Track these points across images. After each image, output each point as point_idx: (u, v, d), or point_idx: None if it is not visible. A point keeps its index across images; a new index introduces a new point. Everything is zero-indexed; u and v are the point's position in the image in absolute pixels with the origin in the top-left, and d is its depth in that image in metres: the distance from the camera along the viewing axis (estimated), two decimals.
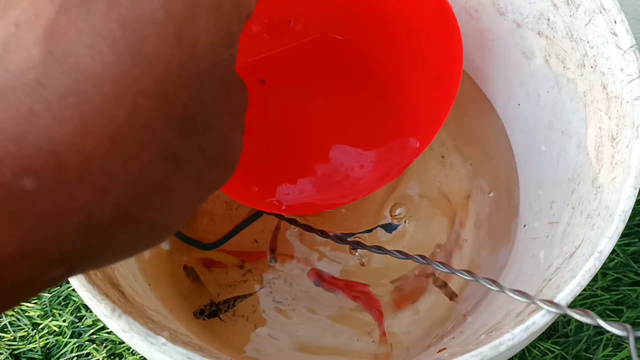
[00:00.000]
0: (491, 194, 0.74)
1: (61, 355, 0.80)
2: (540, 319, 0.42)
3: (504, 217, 0.72)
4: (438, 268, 0.53)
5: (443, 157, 0.78)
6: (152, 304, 0.60)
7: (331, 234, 0.63)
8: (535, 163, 0.67)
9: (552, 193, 0.62)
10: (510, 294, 0.45)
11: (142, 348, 0.43)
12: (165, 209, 0.24)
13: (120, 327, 0.43)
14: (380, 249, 0.60)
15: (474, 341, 0.49)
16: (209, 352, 0.49)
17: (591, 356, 0.79)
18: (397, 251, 0.58)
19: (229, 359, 0.50)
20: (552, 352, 0.79)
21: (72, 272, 0.23)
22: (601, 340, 0.79)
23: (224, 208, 0.76)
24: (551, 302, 0.43)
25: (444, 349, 0.56)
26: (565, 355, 0.79)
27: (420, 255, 0.56)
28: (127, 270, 0.60)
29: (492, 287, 0.47)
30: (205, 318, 0.70)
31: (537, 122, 0.66)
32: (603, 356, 0.78)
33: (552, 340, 0.78)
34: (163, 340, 0.42)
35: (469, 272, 0.50)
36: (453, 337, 0.62)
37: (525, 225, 0.66)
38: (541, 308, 0.43)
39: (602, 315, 0.83)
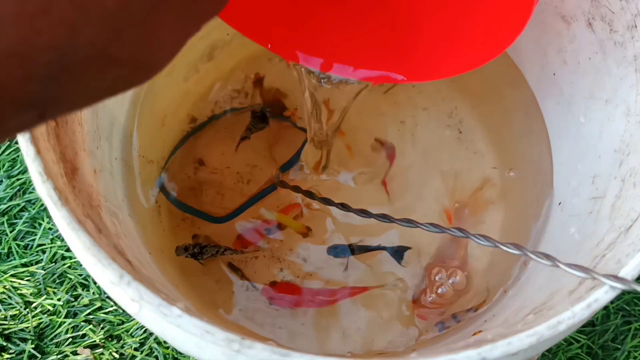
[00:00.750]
0: (511, 173, 0.69)
1: (55, 336, 0.75)
2: (604, 295, 0.38)
3: (532, 196, 0.67)
4: (458, 234, 0.49)
5: (461, 132, 0.73)
6: (158, 278, 0.55)
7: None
8: (572, 136, 0.62)
9: (594, 167, 0.57)
10: (567, 269, 0.41)
11: (153, 321, 0.38)
12: (148, 47, 0.23)
13: (129, 295, 0.37)
14: (385, 218, 0.55)
15: (519, 322, 0.44)
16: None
17: (619, 346, 0.74)
18: (406, 219, 0.53)
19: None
20: (578, 341, 0.74)
21: (45, 117, 0.22)
22: (629, 330, 0.75)
23: (235, 181, 0.71)
24: (615, 277, 0.38)
25: (479, 332, 0.51)
26: (592, 345, 0.74)
27: (431, 224, 0.51)
28: (130, 240, 0.55)
29: (543, 262, 0.42)
30: (188, 256, 0.66)
31: (575, 92, 0.61)
32: (632, 347, 0.74)
33: (578, 329, 0.74)
34: (178, 311, 0.37)
35: (515, 245, 0.45)
36: (485, 321, 0.57)
37: (560, 203, 0.62)
38: (603, 284, 0.38)
39: None
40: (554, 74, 0.64)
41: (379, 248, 0.66)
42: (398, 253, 0.66)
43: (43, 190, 0.39)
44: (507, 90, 0.72)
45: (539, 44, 0.65)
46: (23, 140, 0.40)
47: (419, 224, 0.51)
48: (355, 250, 0.66)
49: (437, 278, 0.65)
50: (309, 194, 0.63)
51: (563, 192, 0.62)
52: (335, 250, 0.66)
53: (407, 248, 0.66)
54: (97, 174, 0.54)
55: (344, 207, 0.59)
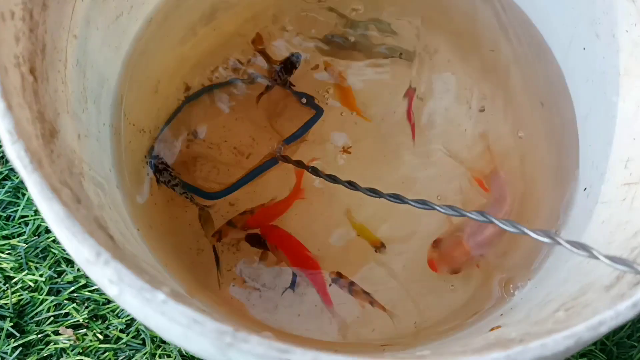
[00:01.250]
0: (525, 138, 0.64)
1: (36, 313, 0.70)
2: None
3: (555, 179, 0.62)
4: (478, 219, 0.44)
5: (482, 110, 0.68)
6: (146, 256, 0.51)
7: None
8: (602, 116, 0.57)
9: (628, 150, 0.52)
10: (608, 261, 0.36)
11: (135, 306, 0.33)
12: None
13: (106, 277, 0.32)
14: (398, 198, 0.50)
15: (548, 319, 0.39)
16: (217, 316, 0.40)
17: (635, 344, 0.70)
18: (420, 201, 0.48)
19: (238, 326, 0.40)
20: None
21: None
22: None
23: (233, 155, 0.66)
24: None
25: (497, 327, 0.46)
26: (606, 341, 0.70)
27: (449, 206, 0.46)
28: (116, 213, 0.50)
29: (580, 253, 0.38)
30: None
31: (608, 68, 0.56)
32: None
33: None
34: (162, 296, 0.32)
35: (545, 232, 0.40)
36: (501, 314, 0.52)
37: (585, 189, 0.57)
38: None
39: None
40: (584, 49, 0.59)
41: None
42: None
43: (12, 151, 0.34)
44: (533, 62, 0.67)
45: (570, 15, 0.60)
46: None
47: (436, 206, 0.46)
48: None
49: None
50: (314, 170, 0.58)
51: (590, 177, 0.57)
52: None
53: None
54: (81, 139, 0.49)
55: (351, 185, 0.54)
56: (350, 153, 0.66)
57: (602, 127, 0.57)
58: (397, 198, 0.50)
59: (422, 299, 0.63)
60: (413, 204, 0.48)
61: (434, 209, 0.47)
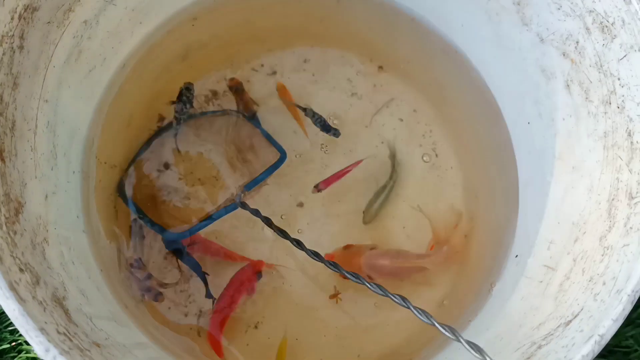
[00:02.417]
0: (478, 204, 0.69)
1: (10, 323, 0.75)
2: None
3: (495, 244, 0.67)
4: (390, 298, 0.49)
5: (437, 154, 0.73)
6: (105, 306, 0.55)
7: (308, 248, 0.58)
8: (537, 191, 0.61)
9: (552, 232, 0.57)
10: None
11: None
12: None
13: None
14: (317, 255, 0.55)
15: None
16: None
17: None
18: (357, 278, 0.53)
19: None
20: None
21: None
22: None
23: (197, 189, 0.70)
24: None
25: None
26: None
27: (379, 285, 0.51)
28: (79, 266, 0.54)
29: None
30: None
31: (546, 147, 0.60)
32: None
33: None
34: None
35: (450, 329, 0.45)
36: None
37: (517, 256, 0.62)
38: None
39: None
40: (529, 123, 0.63)
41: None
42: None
43: None
44: (484, 125, 0.71)
45: (518, 90, 0.64)
46: None
47: (366, 282, 0.51)
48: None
49: None
50: (267, 220, 0.63)
51: (521, 246, 0.62)
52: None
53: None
54: (48, 198, 0.53)
55: (298, 244, 0.58)
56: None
57: (536, 201, 0.61)
58: (335, 267, 0.54)
59: (370, 330, 0.69)
60: (349, 276, 0.53)
61: (363, 284, 0.52)
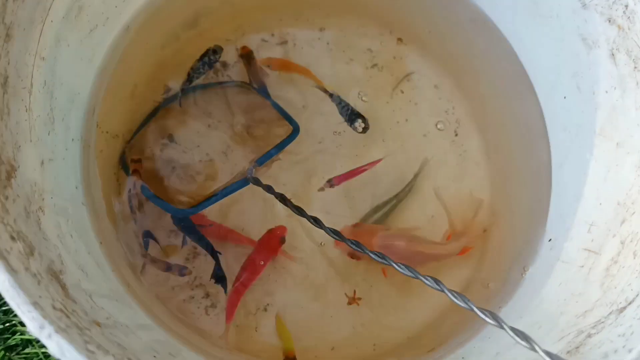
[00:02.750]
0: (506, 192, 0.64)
1: (2, 303, 0.70)
2: None
3: (524, 224, 0.63)
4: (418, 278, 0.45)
5: (457, 134, 0.68)
6: (105, 283, 0.51)
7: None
8: (575, 171, 0.57)
9: (593, 213, 0.52)
10: (545, 356, 0.36)
11: None
12: None
13: (50, 349, 0.33)
14: (359, 247, 0.51)
15: None
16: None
17: None
18: (378, 254, 0.49)
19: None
20: None
21: None
22: None
23: (205, 163, 0.66)
24: None
25: None
26: None
27: (406, 266, 0.47)
28: (78, 240, 0.50)
29: (523, 344, 0.38)
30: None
31: (585, 123, 0.56)
32: None
33: None
34: None
35: (492, 314, 0.40)
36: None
37: (550, 240, 0.57)
38: None
39: None
40: (565, 97, 0.58)
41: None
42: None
43: None
44: (513, 100, 0.67)
45: (554, 61, 0.59)
46: None
47: (393, 263, 0.47)
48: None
49: None
50: (281, 197, 0.58)
51: (556, 230, 0.57)
52: None
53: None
54: (44, 165, 0.48)
55: (316, 222, 0.54)
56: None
57: (573, 182, 0.57)
58: (358, 246, 0.50)
59: (384, 318, 0.65)
60: (372, 255, 0.49)
61: (389, 264, 0.47)
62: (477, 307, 0.41)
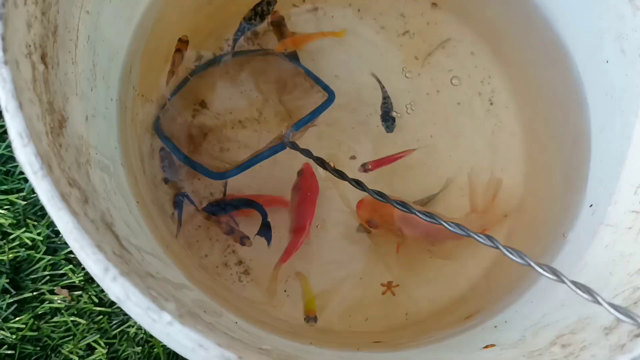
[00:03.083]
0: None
1: (32, 271, 0.70)
2: None
3: (561, 189, 0.62)
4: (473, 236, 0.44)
5: (492, 102, 0.67)
6: (147, 242, 0.50)
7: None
8: (617, 134, 0.56)
9: (638, 176, 0.52)
10: (613, 311, 0.36)
11: (142, 322, 0.33)
12: None
13: (114, 293, 0.32)
14: (404, 207, 0.50)
15: (544, 350, 0.40)
16: (215, 319, 0.40)
17: None
18: (429, 213, 0.48)
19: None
20: None
21: None
22: None
23: (238, 129, 0.65)
24: None
25: (492, 345, 0.47)
26: None
27: (457, 224, 0.47)
28: (120, 197, 0.49)
29: (584, 296, 0.38)
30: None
31: (630, 86, 0.55)
32: None
33: None
34: (168, 317, 0.32)
35: (550, 268, 0.40)
36: (495, 326, 0.53)
37: (591, 206, 0.57)
38: None
39: None
40: (607, 62, 0.57)
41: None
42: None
43: (22, 155, 0.33)
44: (548, 67, 0.66)
45: (596, 25, 0.58)
46: (2, 92, 0.34)
47: (443, 222, 0.46)
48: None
49: None
50: (320, 161, 0.57)
51: (597, 195, 0.57)
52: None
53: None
54: (89, 120, 0.47)
55: (358, 184, 0.53)
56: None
57: (616, 145, 0.56)
58: (404, 206, 0.49)
59: (415, 289, 0.64)
60: (422, 216, 0.48)
61: (440, 223, 0.47)
62: (534, 262, 0.40)
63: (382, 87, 0.67)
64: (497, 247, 0.42)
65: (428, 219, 0.47)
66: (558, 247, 0.57)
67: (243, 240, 0.60)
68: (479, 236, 0.43)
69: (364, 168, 0.65)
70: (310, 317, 0.60)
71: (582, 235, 0.55)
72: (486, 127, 0.68)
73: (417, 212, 0.48)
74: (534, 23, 0.65)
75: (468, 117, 0.68)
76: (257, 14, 0.67)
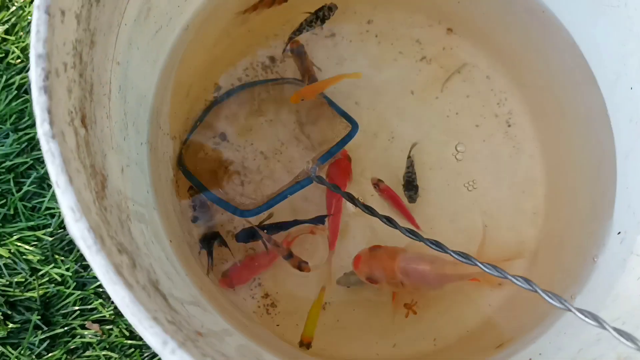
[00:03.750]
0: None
1: (62, 306, 0.71)
2: None
3: (587, 216, 0.62)
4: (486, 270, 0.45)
5: (510, 125, 0.68)
6: (186, 289, 0.51)
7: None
8: None
9: None
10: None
11: None
12: None
13: None
14: (439, 246, 0.50)
15: None
16: None
17: None
18: (461, 253, 0.48)
19: None
20: None
21: None
22: None
23: (259, 162, 0.66)
24: None
25: None
26: None
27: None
28: (158, 246, 0.50)
29: (622, 340, 0.38)
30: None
31: None
32: None
33: None
34: None
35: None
36: (530, 359, 0.53)
37: (619, 233, 0.57)
38: None
39: None
40: (632, 88, 0.58)
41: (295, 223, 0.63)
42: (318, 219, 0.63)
43: (75, 230, 0.34)
44: (570, 90, 0.66)
45: (619, 51, 0.58)
46: (52, 167, 0.34)
47: (478, 262, 0.47)
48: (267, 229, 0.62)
49: None
50: (350, 197, 0.58)
51: (625, 222, 0.57)
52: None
53: (326, 216, 0.64)
54: (124, 171, 0.48)
55: (389, 221, 0.54)
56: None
57: None
58: (438, 246, 0.50)
59: (443, 314, 0.65)
60: (453, 254, 0.49)
61: (475, 264, 0.47)
62: (575, 308, 0.41)
63: (409, 156, 0.67)
64: (536, 291, 0.42)
65: (462, 259, 0.48)
66: (587, 274, 0.57)
67: (301, 265, 0.60)
68: (516, 279, 0.44)
69: (377, 185, 0.66)
70: (304, 343, 0.60)
71: (612, 264, 0.56)
72: (505, 150, 0.68)
73: (451, 252, 0.48)
74: (558, 47, 0.66)
75: (486, 140, 0.68)
76: (319, 17, 0.68)
